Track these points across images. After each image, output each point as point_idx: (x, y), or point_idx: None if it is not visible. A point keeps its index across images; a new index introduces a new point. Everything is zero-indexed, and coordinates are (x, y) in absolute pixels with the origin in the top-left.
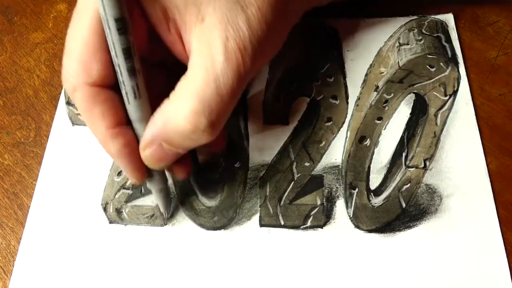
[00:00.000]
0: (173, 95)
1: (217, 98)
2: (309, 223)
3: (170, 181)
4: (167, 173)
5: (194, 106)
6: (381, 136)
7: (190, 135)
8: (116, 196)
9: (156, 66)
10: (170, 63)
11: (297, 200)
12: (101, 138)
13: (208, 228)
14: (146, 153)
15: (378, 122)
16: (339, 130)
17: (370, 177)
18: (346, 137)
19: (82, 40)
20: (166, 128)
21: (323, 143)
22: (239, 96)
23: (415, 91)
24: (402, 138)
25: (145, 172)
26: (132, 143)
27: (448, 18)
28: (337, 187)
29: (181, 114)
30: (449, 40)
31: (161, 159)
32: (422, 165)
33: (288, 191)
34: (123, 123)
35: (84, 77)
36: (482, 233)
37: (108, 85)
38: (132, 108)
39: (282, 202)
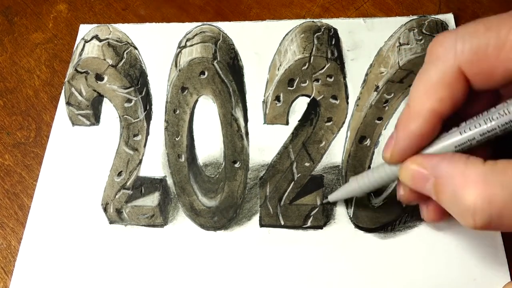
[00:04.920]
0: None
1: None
2: (309, 223)
3: (170, 181)
4: (167, 172)
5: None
6: (381, 136)
7: (460, 215)
8: (117, 196)
9: None
10: None
11: (297, 200)
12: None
13: (208, 228)
14: (407, 172)
15: (378, 122)
16: (339, 130)
17: None
18: (346, 137)
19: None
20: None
21: (323, 143)
22: None
23: None
24: None
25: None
26: None
27: (448, 18)
28: (337, 187)
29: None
30: None
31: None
32: None
33: (288, 191)
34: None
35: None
36: (481, 233)
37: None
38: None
39: (282, 202)
